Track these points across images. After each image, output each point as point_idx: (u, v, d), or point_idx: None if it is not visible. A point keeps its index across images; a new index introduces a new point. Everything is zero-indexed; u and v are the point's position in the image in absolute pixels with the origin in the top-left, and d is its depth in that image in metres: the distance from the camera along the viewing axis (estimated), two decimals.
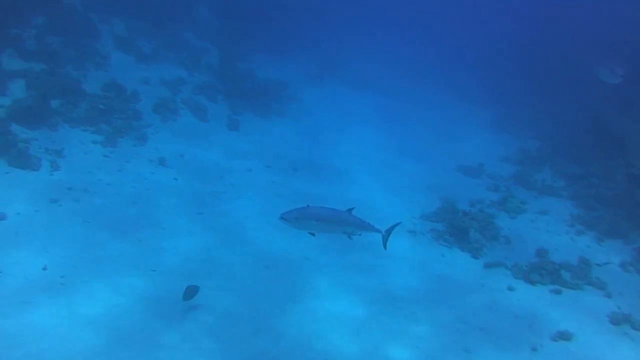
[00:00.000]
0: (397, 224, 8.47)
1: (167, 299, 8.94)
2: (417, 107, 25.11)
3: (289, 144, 17.64)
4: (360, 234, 8.15)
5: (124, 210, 11.49)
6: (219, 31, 24.79)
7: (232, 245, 11.16)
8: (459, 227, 13.25)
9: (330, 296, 10.08)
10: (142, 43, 20.51)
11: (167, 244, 10.64)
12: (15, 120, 13.01)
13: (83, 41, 17.72)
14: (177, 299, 8.82)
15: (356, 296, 10.22)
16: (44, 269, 9.01)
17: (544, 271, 11.87)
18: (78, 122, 14.38)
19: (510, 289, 11.38)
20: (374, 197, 15.05)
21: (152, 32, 21.57)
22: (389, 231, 8.31)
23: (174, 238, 10.91)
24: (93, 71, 17.05)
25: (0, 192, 10.82)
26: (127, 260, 9.80)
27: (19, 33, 16.13)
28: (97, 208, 11.29)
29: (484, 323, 9.99)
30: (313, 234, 7.83)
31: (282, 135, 18.25)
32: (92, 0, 20.07)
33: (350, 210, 7.79)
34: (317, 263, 11.15)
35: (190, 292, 8.88)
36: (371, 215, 8.67)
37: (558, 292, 11.46)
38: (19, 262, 9.03)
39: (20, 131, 12.84)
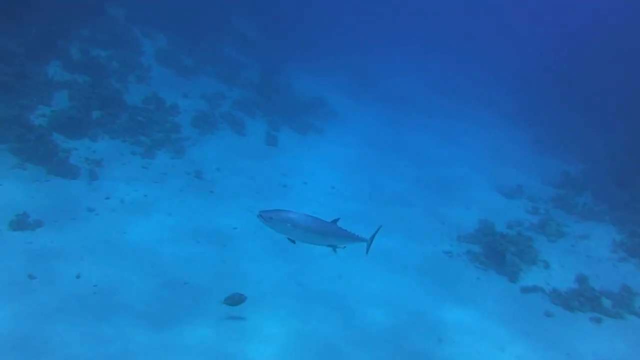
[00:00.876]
0: (379, 228, 7.98)
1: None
2: (454, 126, 24.87)
3: (325, 161, 17.61)
4: (344, 247, 7.78)
5: (160, 222, 11.61)
6: (259, 47, 25.13)
7: (272, 266, 11.16)
8: (495, 250, 13.00)
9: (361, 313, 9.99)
10: (183, 57, 20.87)
11: (205, 256, 10.70)
12: (57, 130, 13.35)
13: (126, 54, 18.13)
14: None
15: (386, 308, 10.11)
16: (78, 277, 9.16)
17: (583, 298, 11.54)
18: (118, 134, 14.65)
19: (548, 315, 11.08)
20: (412, 216, 14.94)
21: (194, 46, 21.95)
22: (372, 238, 7.91)
23: (212, 256, 10.97)
24: (134, 83, 17.40)
25: (38, 199, 11.06)
26: (160, 280, 9.88)
27: (65, 45, 16.59)
28: (132, 219, 11.44)
29: (520, 350, 9.73)
30: (293, 241, 7.42)
31: (320, 152, 18.25)
32: (135, 13, 20.60)
33: (335, 221, 7.42)
34: (359, 294, 11.07)
35: (235, 299, 8.90)
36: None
37: (598, 321, 11.11)
38: (59, 272, 9.20)
39: (61, 140, 13.16)
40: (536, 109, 27.57)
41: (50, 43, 15.94)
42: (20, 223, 9.99)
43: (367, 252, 7.93)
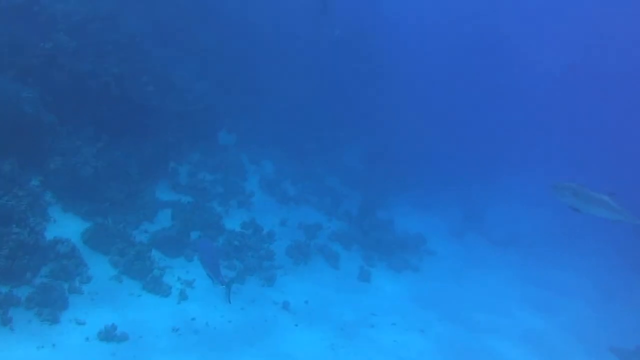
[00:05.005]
0: (233, 280, 9.74)
1: None
2: (572, 275, 24.09)
3: (419, 302, 17.76)
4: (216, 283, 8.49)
5: (240, 351, 12.25)
6: (364, 179, 26.27)
7: None
8: None
9: None
10: (287, 185, 22.33)
11: None
12: (156, 247, 14.71)
13: (231, 179, 19.78)
14: None
15: None
16: None
17: None
18: None
19: None
20: None
21: (300, 175, 23.44)
22: (229, 284, 8.91)
23: None
24: (235, 208, 18.82)
25: (128, 313, 12.11)
26: None
27: (176, 167, 18.50)
28: (214, 342, 12.17)
29: None
30: None
31: (412, 293, 18.43)
32: (245, 140, 22.62)
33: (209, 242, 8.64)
34: None
35: None
36: None
37: None
38: None
39: (159, 258, 14.44)
40: None
41: (163, 164, 17.86)
42: (108, 334, 10.98)
43: (228, 300, 9.15)
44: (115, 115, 16.45)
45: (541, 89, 40.78)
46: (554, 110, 41.02)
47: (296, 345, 13.17)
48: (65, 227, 13.78)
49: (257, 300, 14.79)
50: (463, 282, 20.54)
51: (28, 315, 10.84)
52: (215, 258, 9.38)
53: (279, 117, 24.75)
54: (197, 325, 12.62)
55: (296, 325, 14.22)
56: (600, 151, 38.41)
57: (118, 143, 16.34)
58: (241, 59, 24.18)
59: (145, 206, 15.99)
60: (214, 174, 19.53)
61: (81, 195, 14.54)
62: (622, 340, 17.66)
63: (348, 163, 27.37)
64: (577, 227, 28.35)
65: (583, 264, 25.61)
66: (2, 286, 11.06)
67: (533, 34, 43.18)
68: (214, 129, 21.51)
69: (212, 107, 21.11)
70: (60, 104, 15.46)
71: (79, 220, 14.30)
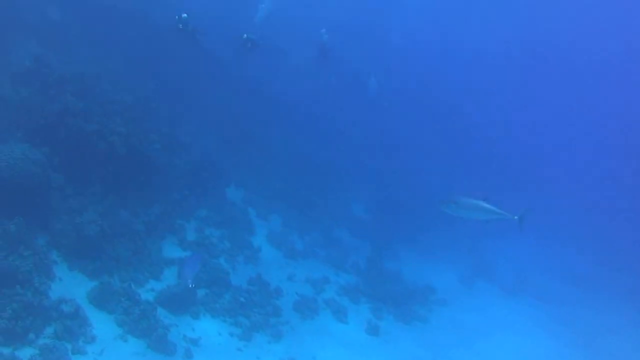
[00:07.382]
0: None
1: None
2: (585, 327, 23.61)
3: (428, 354, 17.43)
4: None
5: None
6: (372, 230, 26.13)
7: None
8: None
9: None
10: (294, 239, 22.19)
11: None
12: (161, 305, 14.59)
13: (238, 234, 19.72)
14: None
15: None
16: None
17: None
18: (219, 313, 15.64)
19: None
20: None
21: (307, 228, 23.32)
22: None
23: None
24: (242, 264, 18.70)
25: None
26: None
27: (183, 223, 18.49)
28: None
29: None
30: None
31: (422, 346, 18.08)
32: (253, 196, 22.65)
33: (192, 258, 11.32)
34: None
35: None
36: None
37: None
38: None
39: (164, 316, 14.29)
40: None
41: (170, 221, 17.85)
42: None
43: None
44: (122, 173, 16.56)
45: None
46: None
47: None
48: (71, 285, 13.72)
49: (263, 357, 14.58)
50: (474, 335, 20.12)
51: None
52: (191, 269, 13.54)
53: (286, 170, 24.83)
54: None
55: None
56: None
57: (125, 201, 16.41)
58: (247, 115, 24.46)
59: (151, 264, 15.93)
60: (221, 230, 19.50)
61: (87, 254, 14.52)
62: None
63: (355, 213, 27.30)
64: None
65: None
66: (4, 347, 10.96)
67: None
68: (221, 184, 21.58)
69: (219, 163, 21.25)
70: (68, 163, 15.61)
71: (84, 278, 14.24)
